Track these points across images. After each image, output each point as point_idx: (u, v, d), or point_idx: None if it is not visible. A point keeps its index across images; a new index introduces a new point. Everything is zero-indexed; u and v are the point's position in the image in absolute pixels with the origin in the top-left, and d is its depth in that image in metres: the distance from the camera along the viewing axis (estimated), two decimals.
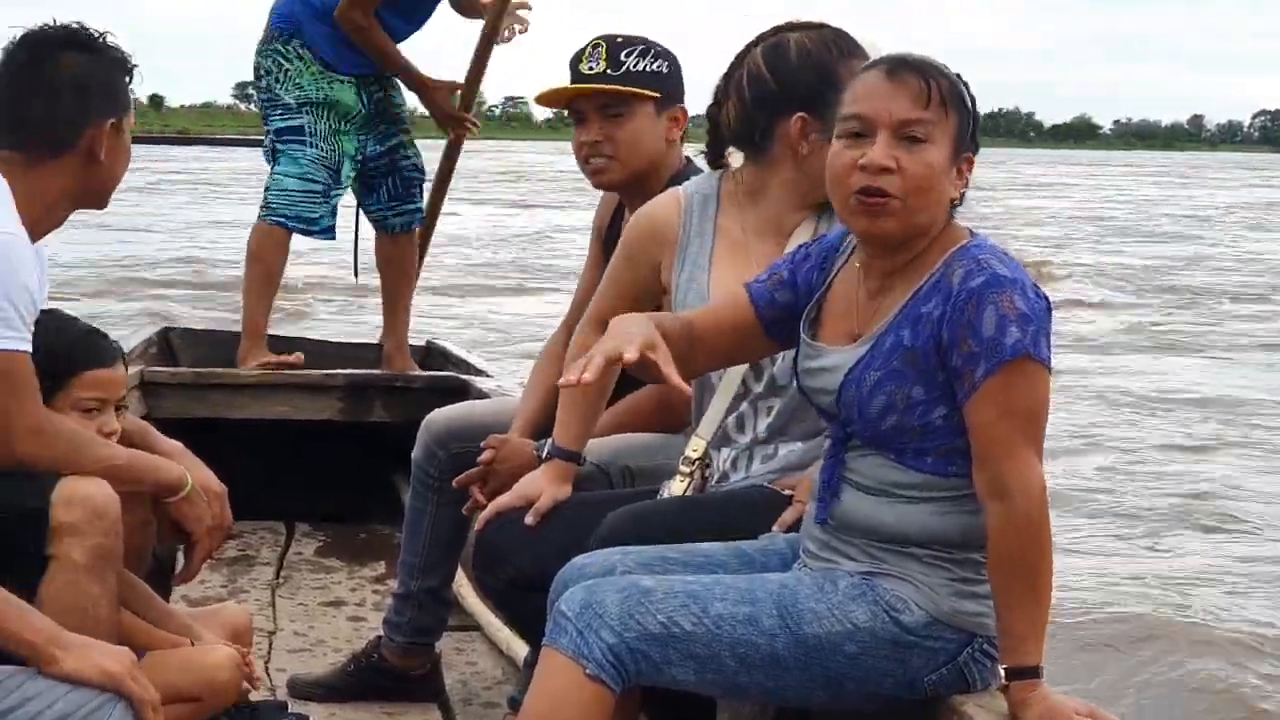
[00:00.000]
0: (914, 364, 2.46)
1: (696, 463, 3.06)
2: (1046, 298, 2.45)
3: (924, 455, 2.49)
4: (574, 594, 2.50)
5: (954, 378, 2.42)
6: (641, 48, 3.60)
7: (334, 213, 5.81)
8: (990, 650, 2.50)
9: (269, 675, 4.05)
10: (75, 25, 2.98)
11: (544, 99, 3.69)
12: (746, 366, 3.01)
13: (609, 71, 3.58)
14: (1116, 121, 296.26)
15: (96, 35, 2.98)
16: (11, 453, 2.77)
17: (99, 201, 3.02)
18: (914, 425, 2.47)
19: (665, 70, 3.61)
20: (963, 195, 2.51)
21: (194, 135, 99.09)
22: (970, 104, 2.50)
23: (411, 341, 6.14)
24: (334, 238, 5.92)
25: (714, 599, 2.49)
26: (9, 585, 2.53)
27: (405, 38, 5.81)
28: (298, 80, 5.70)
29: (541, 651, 2.51)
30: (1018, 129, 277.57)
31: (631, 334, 2.55)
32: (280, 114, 5.72)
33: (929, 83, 2.45)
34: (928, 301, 2.46)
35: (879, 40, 2.98)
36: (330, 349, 6.23)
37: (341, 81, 5.73)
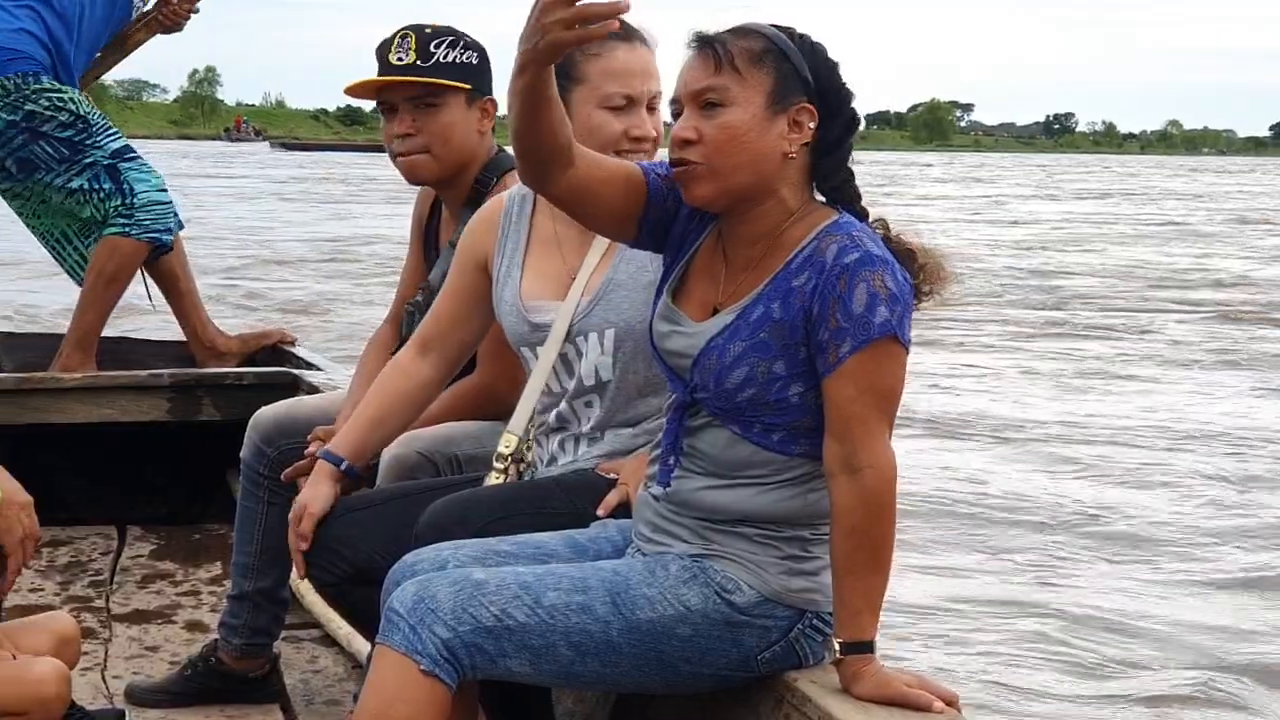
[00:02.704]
0: (780, 337, 2.46)
1: (509, 458, 3.06)
2: (910, 280, 2.47)
3: (771, 432, 2.50)
4: (405, 590, 2.48)
5: (817, 351, 2.43)
6: (451, 39, 3.56)
7: None
8: (820, 626, 2.53)
9: (105, 683, 3.98)
10: None
11: (353, 90, 3.62)
12: (554, 367, 3.00)
13: (419, 63, 3.54)
14: None
15: None
16: None
17: None
18: (769, 400, 2.48)
19: (475, 61, 3.58)
20: (812, 148, 2.51)
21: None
22: (794, 56, 2.49)
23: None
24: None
25: (547, 589, 2.49)
26: None
27: None
28: (88, 105, 5.63)
29: (375, 649, 2.49)
30: None
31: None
32: (108, 135, 5.60)
33: (717, 49, 2.48)
34: (799, 275, 2.46)
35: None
36: (146, 348, 6.12)
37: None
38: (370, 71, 3.58)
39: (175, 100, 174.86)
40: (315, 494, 3.03)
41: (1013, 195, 51.90)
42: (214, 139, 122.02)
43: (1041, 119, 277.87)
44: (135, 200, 5.56)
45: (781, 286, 2.48)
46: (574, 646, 2.47)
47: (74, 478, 5.29)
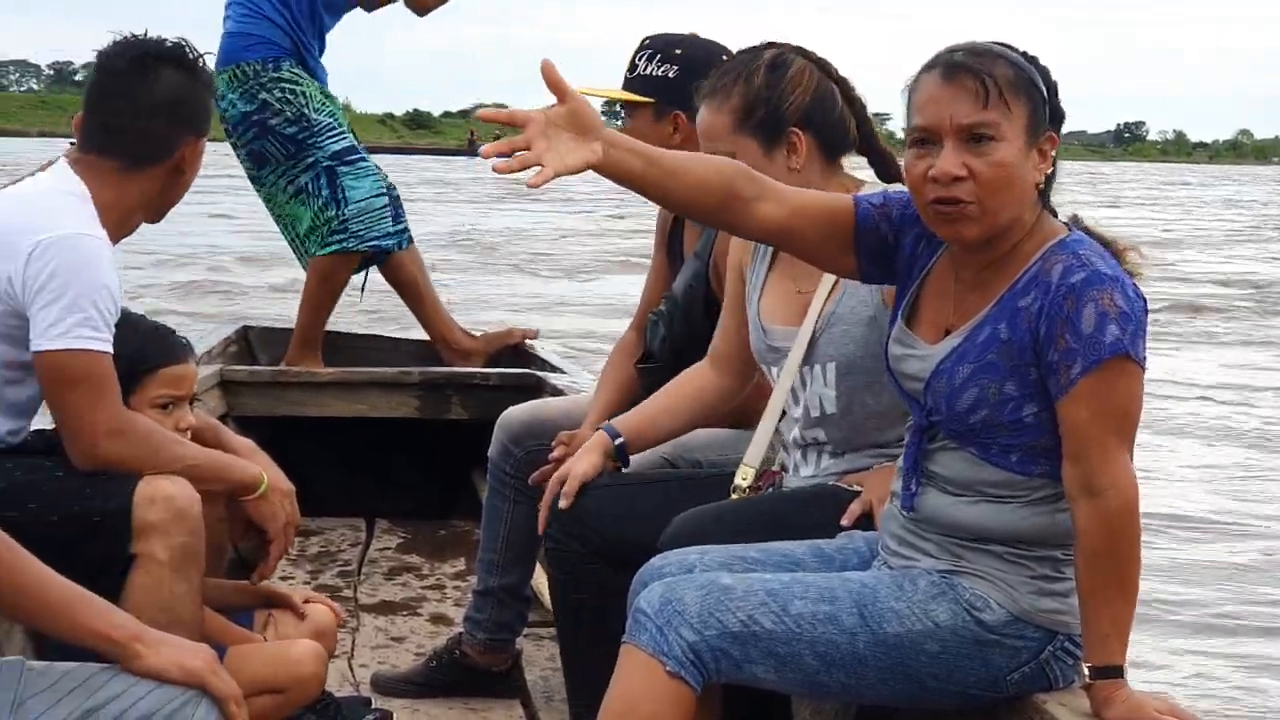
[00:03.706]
0: (1009, 358, 2.42)
1: (746, 490, 3.06)
2: (1144, 297, 2.41)
3: (1009, 453, 2.46)
4: (653, 591, 2.50)
5: (1048, 373, 2.38)
6: (651, 51, 3.62)
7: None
8: (1071, 649, 2.48)
9: (352, 671, 4.08)
10: (181, 42, 3.02)
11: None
12: (791, 394, 3.01)
13: (626, 75, 3.64)
14: None
15: (196, 55, 3.02)
16: (94, 453, 2.80)
17: (160, 216, 3.06)
18: (1003, 421, 2.44)
19: (671, 75, 3.60)
20: (1049, 176, 2.46)
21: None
22: (1041, 82, 2.44)
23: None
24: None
25: (794, 597, 2.49)
26: (94, 584, 2.56)
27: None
28: (317, 102, 5.64)
29: (621, 649, 2.51)
30: None
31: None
32: (331, 136, 5.64)
33: (985, 80, 2.39)
34: (1025, 295, 2.41)
35: None
36: (392, 345, 6.27)
37: (333, 99, 5.77)
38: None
39: None
40: (584, 460, 3.11)
41: None
42: None
43: (1112, 127, 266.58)
44: (347, 211, 5.61)
45: (1008, 307, 2.43)
46: (820, 656, 2.47)
47: (325, 470, 5.44)
